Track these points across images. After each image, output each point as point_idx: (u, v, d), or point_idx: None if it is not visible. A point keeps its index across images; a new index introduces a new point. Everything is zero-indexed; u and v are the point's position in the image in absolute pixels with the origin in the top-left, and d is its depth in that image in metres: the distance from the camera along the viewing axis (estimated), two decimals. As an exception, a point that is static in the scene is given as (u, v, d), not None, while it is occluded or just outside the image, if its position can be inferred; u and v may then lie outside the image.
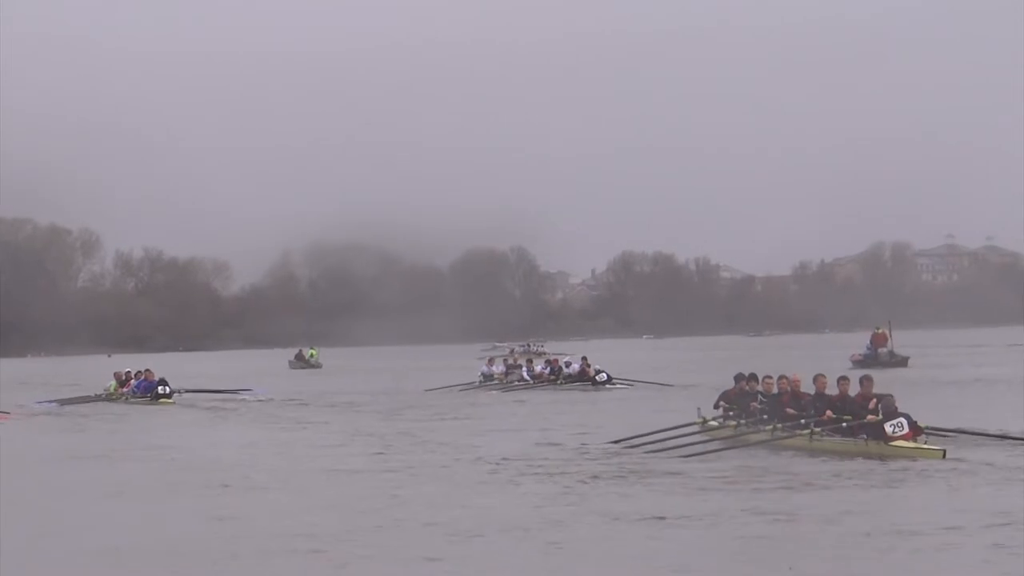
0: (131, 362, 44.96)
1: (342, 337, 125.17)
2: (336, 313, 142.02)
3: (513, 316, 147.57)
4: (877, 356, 49.33)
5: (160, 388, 35.03)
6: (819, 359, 40.03)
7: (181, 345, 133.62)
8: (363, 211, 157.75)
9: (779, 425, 19.08)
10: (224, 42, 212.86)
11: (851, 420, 18.03)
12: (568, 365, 39.84)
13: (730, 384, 21.50)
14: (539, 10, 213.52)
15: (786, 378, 20.02)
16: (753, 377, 20.85)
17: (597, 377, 38.00)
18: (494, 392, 37.62)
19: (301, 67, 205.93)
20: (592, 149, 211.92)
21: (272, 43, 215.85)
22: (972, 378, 38.75)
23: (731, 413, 20.67)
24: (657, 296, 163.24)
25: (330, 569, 11.35)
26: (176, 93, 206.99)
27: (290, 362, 71.44)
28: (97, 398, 36.71)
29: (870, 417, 17.82)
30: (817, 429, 18.38)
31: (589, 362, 39.56)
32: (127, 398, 35.97)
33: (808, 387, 19.62)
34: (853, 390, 18.80)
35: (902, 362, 48.71)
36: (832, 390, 19.12)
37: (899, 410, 17.64)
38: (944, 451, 16.97)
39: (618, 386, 37.28)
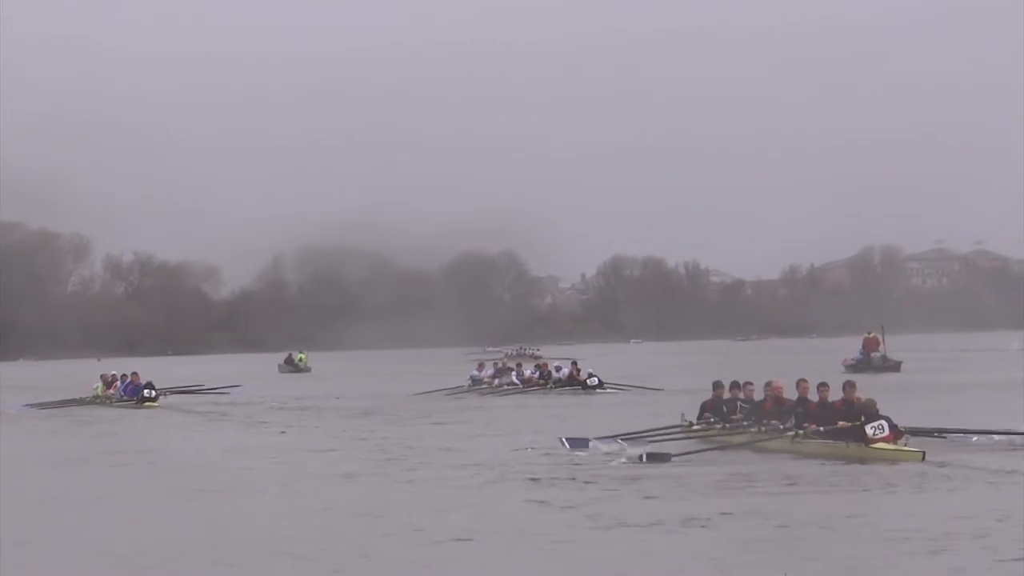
0: (120, 366, 44.75)
1: (333, 341, 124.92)
2: (326, 316, 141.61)
3: (502, 320, 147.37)
4: (870, 361, 48.75)
5: (146, 391, 35.06)
6: (810, 364, 40.01)
7: (171, 349, 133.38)
8: (357, 213, 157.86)
9: (762, 428, 19.26)
10: (224, 42, 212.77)
11: (831, 427, 18.17)
12: (559, 369, 39.92)
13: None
14: (539, 10, 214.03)
15: (771, 385, 20.16)
16: (735, 385, 21.01)
17: (588, 381, 38.07)
18: (484, 396, 37.57)
19: (301, 67, 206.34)
20: (592, 149, 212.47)
21: (272, 43, 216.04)
22: (968, 382, 38.63)
23: (712, 420, 20.82)
24: (646, 300, 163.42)
25: (324, 574, 11.40)
26: (176, 93, 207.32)
27: (279, 366, 71.27)
28: (82, 401, 36.68)
29: (842, 422, 18.00)
30: (799, 432, 18.53)
31: (579, 366, 39.61)
32: (113, 401, 35.98)
33: (791, 393, 19.75)
34: (834, 395, 18.91)
35: (895, 367, 48.12)
36: (814, 396, 19.21)
37: (880, 413, 17.80)
38: (923, 453, 17.14)
39: (608, 390, 37.34)
